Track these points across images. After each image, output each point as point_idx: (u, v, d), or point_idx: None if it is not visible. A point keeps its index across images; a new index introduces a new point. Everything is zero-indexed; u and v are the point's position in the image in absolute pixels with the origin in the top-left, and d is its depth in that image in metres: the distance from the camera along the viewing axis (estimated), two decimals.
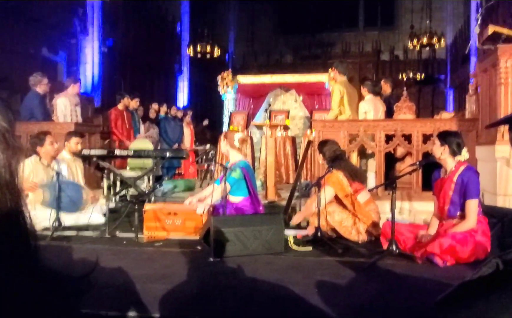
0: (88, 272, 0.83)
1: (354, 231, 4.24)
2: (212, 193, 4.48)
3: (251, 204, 4.66)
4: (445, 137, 3.72)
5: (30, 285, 0.67)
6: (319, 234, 4.05)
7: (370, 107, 6.49)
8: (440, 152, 3.68)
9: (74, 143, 5.62)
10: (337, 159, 4.56)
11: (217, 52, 15.38)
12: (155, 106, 9.11)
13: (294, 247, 3.96)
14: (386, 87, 7.45)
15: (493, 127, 4.56)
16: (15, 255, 0.67)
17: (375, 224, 4.28)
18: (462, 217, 3.55)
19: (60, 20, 11.68)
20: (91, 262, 3.31)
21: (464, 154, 3.67)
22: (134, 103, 8.42)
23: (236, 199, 4.63)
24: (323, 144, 4.75)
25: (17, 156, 0.71)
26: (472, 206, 3.49)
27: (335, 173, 4.43)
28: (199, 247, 3.95)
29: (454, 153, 3.65)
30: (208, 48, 15.16)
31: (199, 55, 15.35)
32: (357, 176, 4.54)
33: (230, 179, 4.48)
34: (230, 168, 4.59)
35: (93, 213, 5.20)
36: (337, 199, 4.47)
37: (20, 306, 0.65)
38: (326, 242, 3.99)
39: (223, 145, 4.95)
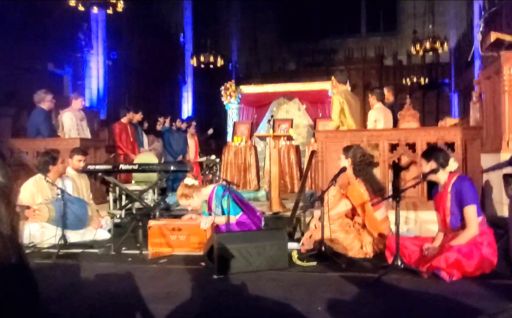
0: None
1: (357, 246, 4.21)
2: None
3: (249, 217, 4.68)
4: (428, 154, 3.83)
5: None
6: (323, 248, 4.03)
7: (380, 116, 6.45)
8: (429, 169, 3.74)
9: (77, 160, 5.66)
10: (365, 168, 4.43)
11: (220, 62, 15.46)
12: (161, 119, 9.16)
13: (298, 262, 3.94)
14: (389, 95, 7.44)
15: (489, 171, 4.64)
16: (21, 305, 0.69)
17: (381, 237, 4.25)
18: (465, 227, 3.54)
19: (65, 35, 11.78)
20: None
21: (452, 164, 3.71)
22: (138, 117, 8.48)
23: (234, 219, 4.64)
24: (347, 149, 4.62)
25: (17, 212, 0.73)
26: (471, 212, 3.48)
27: (356, 186, 4.34)
28: (203, 264, 3.95)
29: (442, 165, 3.68)
30: (212, 58, 15.24)
31: (202, 66, 15.43)
32: (379, 190, 4.39)
33: (232, 212, 4.48)
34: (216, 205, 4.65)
35: (99, 230, 5.24)
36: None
37: None
38: (330, 256, 3.97)
39: (192, 202, 4.71)
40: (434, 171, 3.70)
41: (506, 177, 4.12)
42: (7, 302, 0.64)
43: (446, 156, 3.75)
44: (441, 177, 3.72)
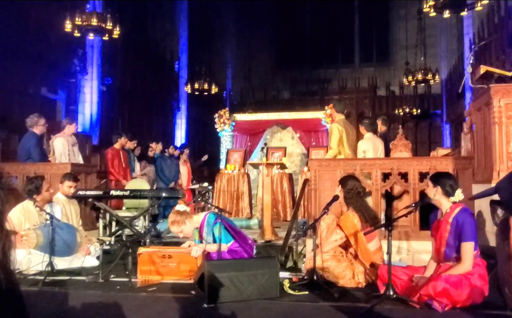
0: None
1: (349, 275, 4.16)
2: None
3: (240, 245, 4.63)
4: (437, 178, 3.72)
5: None
6: (315, 277, 3.98)
7: (369, 146, 6.51)
8: (433, 193, 3.67)
9: (67, 186, 5.60)
10: (354, 197, 4.42)
11: (214, 89, 15.58)
12: (153, 145, 9.15)
13: (290, 291, 3.88)
14: (382, 125, 7.50)
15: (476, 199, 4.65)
16: None
17: (374, 267, 4.21)
18: (458, 259, 3.50)
19: (60, 60, 11.85)
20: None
21: (458, 195, 3.64)
22: (131, 145, 8.47)
23: (226, 247, 4.58)
24: (345, 178, 4.65)
25: (9, 237, 0.71)
26: (468, 249, 3.45)
27: (350, 216, 4.32)
28: (193, 292, 3.87)
29: (448, 194, 3.63)
30: (206, 85, 15.36)
31: (196, 92, 15.53)
32: (372, 220, 4.34)
33: (223, 240, 4.44)
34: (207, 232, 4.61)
35: (87, 256, 5.15)
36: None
37: None
38: (322, 285, 3.92)
39: (184, 229, 4.64)
40: (427, 200, 3.68)
41: (493, 204, 4.11)
42: None
43: (454, 185, 3.69)
44: (444, 205, 3.65)
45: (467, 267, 3.43)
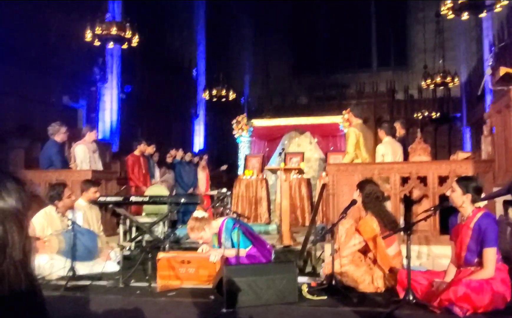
0: None
1: (368, 280, 4.14)
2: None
3: (258, 250, 4.64)
4: (467, 184, 3.59)
5: None
6: (333, 282, 3.97)
7: (388, 150, 6.47)
8: (462, 200, 3.56)
9: (93, 192, 5.74)
10: (373, 201, 4.40)
11: (232, 96, 15.66)
12: (172, 152, 9.24)
13: (308, 296, 3.88)
14: (400, 129, 7.44)
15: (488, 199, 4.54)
16: None
17: (393, 272, 4.17)
18: (480, 264, 3.46)
19: (81, 69, 12.08)
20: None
21: (483, 201, 3.60)
22: (150, 149, 8.57)
23: (244, 252, 4.60)
24: (363, 183, 4.63)
25: (29, 238, 0.74)
26: (490, 255, 3.39)
27: (369, 221, 4.29)
28: (212, 297, 3.90)
29: (475, 200, 3.57)
30: (224, 92, 15.45)
31: (214, 99, 15.64)
32: (390, 224, 4.31)
33: (241, 245, 4.43)
34: (225, 237, 4.61)
35: (108, 262, 5.23)
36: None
37: None
38: (341, 290, 3.91)
39: (203, 234, 4.64)
40: (446, 203, 3.63)
41: (506, 204, 4.03)
42: None
43: (481, 190, 3.63)
44: (467, 209, 3.57)
45: (489, 273, 3.38)
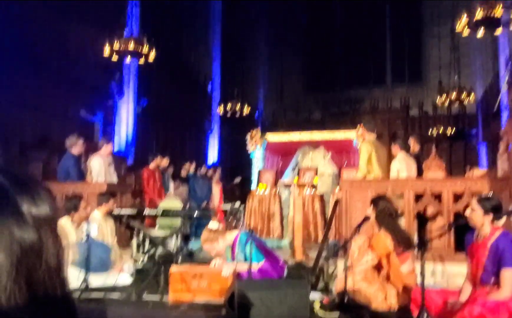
0: None
1: (381, 297, 4.10)
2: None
3: (271, 265, 4.63)
4: (488, 204, 3.46)
5: None
6: (346, 299, 3.95)
7: (403, 166, 6.44)
8: (482, 221, 3.43)
9: (112, 203, 5.84)
10: (386, 218, 4.37)
11: (246, 110, 15.75)
12: (186, 165, 9.32)
13: (320, 312, 3.87)
14: (415, 145, 7.40)
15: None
16: None
17: (406, 290, 4.13)
18: (496, 284, 3.39)
19: (99, 83, 12.29)
20: None
21: (503, 220, 3.53)
22: (165, 162, 8.65)
23: (256, 266, 4.60)
24: (376, 199, 4.61)
25: (62, 245, 0.76)
26: (507, 276, 3.31)
27: (382, 237, 4.26)
28: (223, 312, 3.91)
29: (495, 220, 3.49)
30: (238, 106, 15.55)
31: (229, 113, 15.74)
32: (404, 242, 4.27)
33: (254, 259, 4.43)
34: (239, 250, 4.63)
35: (121, 274, 5.27)
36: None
37: None
38: (353, 307, 3.88)
39: (217, 246, 4.70)
40: (462, 221, 3.58)
41: None
42: None
43: (500, 210, 3.55)
44: (485, 228, 3.45)
45: (506, 294, 3.31)
